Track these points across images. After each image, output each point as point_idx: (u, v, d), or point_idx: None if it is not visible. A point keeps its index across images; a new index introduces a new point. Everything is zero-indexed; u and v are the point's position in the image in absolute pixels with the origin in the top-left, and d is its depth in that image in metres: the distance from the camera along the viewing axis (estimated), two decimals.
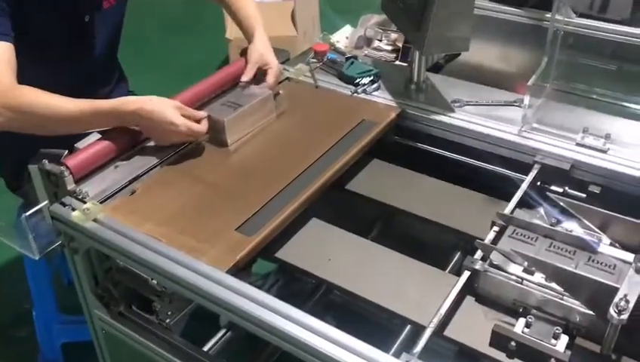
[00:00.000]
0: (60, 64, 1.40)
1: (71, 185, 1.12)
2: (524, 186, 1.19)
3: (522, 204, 1.18)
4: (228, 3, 1.54)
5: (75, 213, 1.08)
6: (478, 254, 1.03)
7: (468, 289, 1.02)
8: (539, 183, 1.24)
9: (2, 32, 1.18)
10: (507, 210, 1.13)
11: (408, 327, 1.25)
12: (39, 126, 1.18)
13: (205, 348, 1.43)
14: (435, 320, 0.95)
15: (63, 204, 1.11)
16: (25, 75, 1.20)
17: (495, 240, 1.06)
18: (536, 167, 1.24)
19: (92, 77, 1.51)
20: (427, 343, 0.92)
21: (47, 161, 1.12)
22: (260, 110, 1.37)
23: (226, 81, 1.47)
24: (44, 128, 1.19)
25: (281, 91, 1.41)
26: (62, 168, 1.11)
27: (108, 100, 1.21)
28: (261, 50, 1.43)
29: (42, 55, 1.34)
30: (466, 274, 1.01)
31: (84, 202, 1.11)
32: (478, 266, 1.00)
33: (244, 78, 1.40)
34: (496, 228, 1.09)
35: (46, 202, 1.13)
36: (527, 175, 1.22)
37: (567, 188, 1.23)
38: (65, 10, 1.38)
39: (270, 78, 1.40)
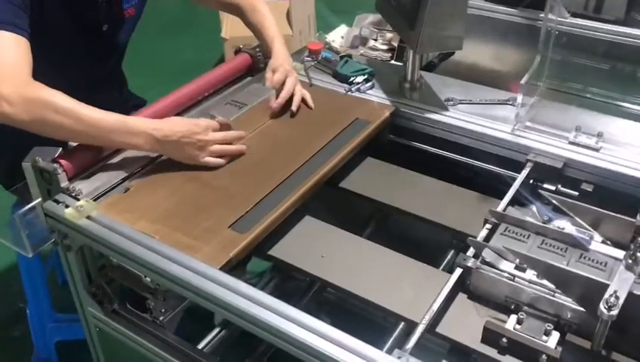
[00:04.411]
0: (71, 67, 1.41)
1: (64, 183, 1.12)
2: (516, 184, 1.20)
3: (515, 201, 1.18)
4: (246, 17, 1.54)
5: (69, 211, 1.09)
6: (471, 251, 1.04)
7: (460, 286, 1.02)
8: (531, 181, 1.24)
9: (20, 27, 1.16)
10: (500, 208, 1.13)
11: (401, 325, 1.25)
12: (55, 125, 1.11)
13: (200, 347, 1.43)
14: (428, 317, 0.95)
15: (57, 202, 1.11)
16: (34, 73, 1.17)
17: (487, 238, 1.07)
18: (529, 165, 1.24)
19: (100, 81, 1.52)
20: (419, 340, 0.92)
21: (40, 159, 1.12)
22: (263, 109, 1.37)
23: (221, 80, 1.47)
24: (59, 128, 1.12)
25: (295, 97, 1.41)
26: (55, 165, 1.11)
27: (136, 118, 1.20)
28: (281, 62, 1.43)
29: (54, 57, 1.34)
30: (458, 271, 1.02)
31: (78, 199, 1.11)
32: (470, 263, 1.01)
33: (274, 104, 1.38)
34: (488, 226, 1.09)
35: (39, 199, 1.13)
36: (519, 173, 1.23)
37: (559, 186, 1.24)
38: (85, 18, 1.39)
39: (289, 81, 1.39)
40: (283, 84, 1.39)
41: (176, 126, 1.18)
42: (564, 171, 1.23)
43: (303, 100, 1.42)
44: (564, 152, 1.24)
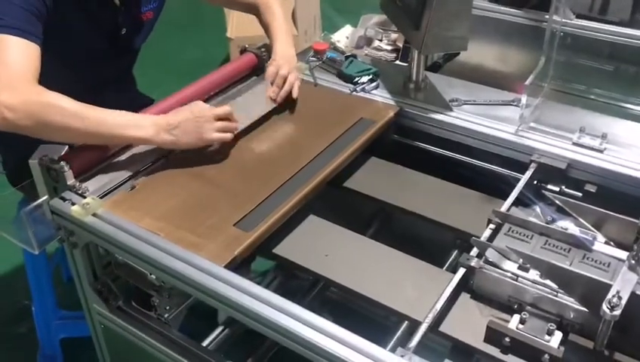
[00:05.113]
0: (85, 69, 1.42)
1: (70, 180, 1.13)
2: (520, 185, 1.20)
3: (519, 202, 1.18)
4: (260, 16, 1.55)
5: (75, 208, 1.09)
6: (474, 251, 1.04)
7: (463, 285, 1.03)
8: (535, 182, 1.24)
9: (30, 32, 1.16)
10: (503, 208, 1.13)
11: (405, 324, 1.26)
12: (61, 128, 1.11)
13: (203, 344, 1.43)
14: (431, 316, 0.96)
15: (63, 199, 1.12)
16: (48, 75, 1.17)
17: (491, 238, 1.07)
18: (533, 165, 1.24)
19: (111, 81, 1.53)
20: (422, 339, 0.93)
21: (47, 156, 1.13)
22: (255, 101, 1.38)
23: (226, 80, 1.48)
24: (65, 130, 1.12)
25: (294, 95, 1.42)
26: (62, 163, 1.12)
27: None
28: (276, 57, 1.44)
29: (70, 59, 1.35)
30: (462, 271, 1.02)
31: (84, 197, 1.12)
32: (473, 263, 1.01)
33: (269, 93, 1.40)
34: (492, 226, 1.10)
35: (46, 197, 1.14)
36: (523, 174, 1.23)
37: (563, 187, 1.24)
38: (104, 22, 1.40)
39: (280, 72, 1.40)
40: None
41: (177, 113, 1.22)
42: (568, 172, 1.23)
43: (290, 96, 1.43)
44: (568, 153, 1.24)
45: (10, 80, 1.10)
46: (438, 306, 0.97)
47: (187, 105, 1.24)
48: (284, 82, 1.40)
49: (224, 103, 1.42)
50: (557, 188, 1.24)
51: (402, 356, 0.88)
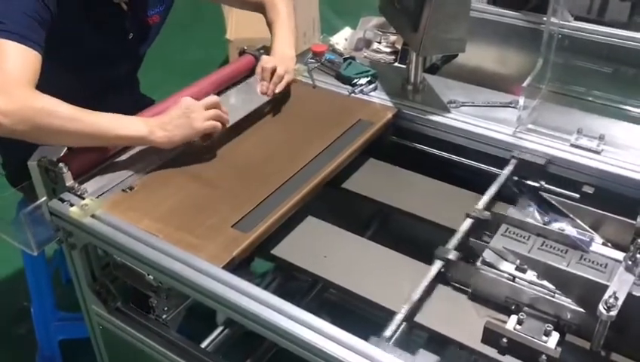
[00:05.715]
0: (90, 72, 1.42)
1: (69, 182, 1.13)
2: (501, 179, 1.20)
3: (516, 203, 1.19)
4: (265, 14, 1.56)
5: (73, 209, 1.09)
6: (452, 244, 1.06)
7: (440, 279, 1.04)
8: (533, 183, 1.25)
9: (30, 39, 1.16)
10: (482, 202, 1.15)
11: (403, 325, 1.26)
12: (56, 131, 1.11)
13: (202, 345, 1.44)
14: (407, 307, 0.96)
15: (62, 200, 1.12)
16: (52, 80, 1.17)
17: (470, 232, 1.08)
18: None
19: (114, 84, 1.54)
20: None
21: (46, 158, 1.13)
22: (247, 96, 1.39)
23: (225, 81, 1.48)
24: (60, 133, 1.12)
25: (277, 90, 1.42)
26: (60, 165, 1.12)
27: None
28: (264, 58, 1.45)
29: (75, 63, 1.36)
30: (439, 263, 1.04)
31: (83, 198, 1.12)
32: (451, 256, 1.03)
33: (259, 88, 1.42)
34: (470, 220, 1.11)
35: (45, 198, 1.14)
36: None
37: (560, 188, 1.24)
38: (111, 28, 1.40)
39: (265, 69, 1.41)
40: (273, 73, 1.41)
41: (168, 112, 1.22)
42: (566, 173, 1.23)
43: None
44: (566, 155, 1.24)
45: (5, 85, 1.10)
46: (415, 298, 0.98)
47: (176, 104, 1.24)
48: (272, 76, 1.41)
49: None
50: (555, 189, 1.24)
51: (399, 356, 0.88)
